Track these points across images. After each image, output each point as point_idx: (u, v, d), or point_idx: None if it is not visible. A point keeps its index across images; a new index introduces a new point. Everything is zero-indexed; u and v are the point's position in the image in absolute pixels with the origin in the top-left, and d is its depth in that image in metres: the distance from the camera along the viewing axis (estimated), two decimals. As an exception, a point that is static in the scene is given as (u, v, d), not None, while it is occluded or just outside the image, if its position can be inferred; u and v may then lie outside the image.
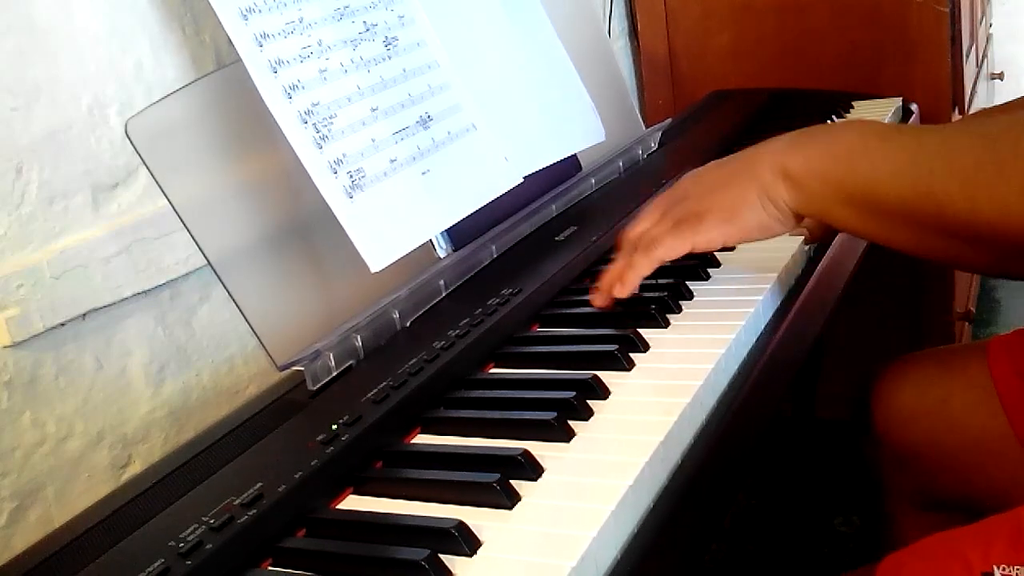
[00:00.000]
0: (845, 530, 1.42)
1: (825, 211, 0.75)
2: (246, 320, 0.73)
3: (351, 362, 0.74)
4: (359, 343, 0.75)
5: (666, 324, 0.78)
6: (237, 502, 0.57)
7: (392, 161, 0.84)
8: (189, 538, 0.53)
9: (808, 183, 0.75)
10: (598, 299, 0.81)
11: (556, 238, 0.97)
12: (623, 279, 0.79)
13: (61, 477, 0.83)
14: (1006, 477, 0.90)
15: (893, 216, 0.71)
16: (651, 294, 0.82)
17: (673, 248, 0.79)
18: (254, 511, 0.56)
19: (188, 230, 0.71)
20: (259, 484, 0.58)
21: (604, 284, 0.81)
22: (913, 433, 0.97)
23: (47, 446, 0.82)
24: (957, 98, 1.63)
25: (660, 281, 0.86)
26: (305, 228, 0.81)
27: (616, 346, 0.73)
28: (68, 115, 0.84)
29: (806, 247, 0.91)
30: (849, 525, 1.44)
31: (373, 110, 0.84)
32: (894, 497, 1.02)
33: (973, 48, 1.98)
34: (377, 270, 0.79)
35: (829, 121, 1.34)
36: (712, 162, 0.83)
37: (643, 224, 0.82)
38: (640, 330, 0.76)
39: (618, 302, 0.82)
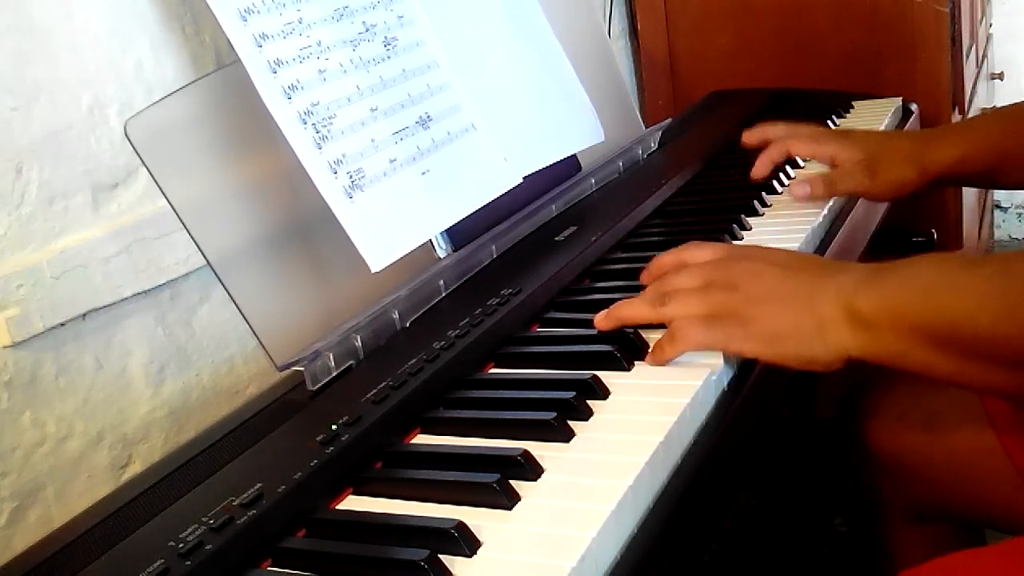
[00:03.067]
0: (845, 530, 1.42)
1: (900, 356, 0.67)
2: (246, 320, 0.73)
3: (351, 362, 0.74)
4: (359, 343, 0.75)
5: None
6: (237, 502, 0.57)
7: (392, 161, 0.84)
8: (189, 538, 0.53)
9: (881, 325, 0.67)
10: (604, 322, 0.76)
11: (556, 238, 0.97)
12: (653, 356, 0.72)
13: (61, 477, 0.83)
14: (996, 492, 0.90)
15: (986, 355, 0.63)
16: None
17: (704, 346, 0.71)
18: (254, 511, 0.56)
19: (187, 230, 0.71)
20: (259, 484, 0.58)
21: (617, 317, 0.76)
22: (901, 447, 0.97)
23: (47, 446, 0.82)
24: (957, 98, 1.63)
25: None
26: (305, 228, 0.81)
27: (616, 346, 0.73)
28: (68, 115, 0.84)
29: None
30: (849, 525, 1.44)
31: (373, 110, 0.84)
32: (884, 508, 1.02)
33: (973, 48, 1.98)
34: (377, 270, 0.79)
35: (829, 122, 1.34)
36: (781, 255, 0.76)
37: (681, 280, 0.75)
38: (640, 330, 0.76)
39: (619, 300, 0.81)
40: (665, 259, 0.79)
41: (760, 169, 1.06)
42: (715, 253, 0.77)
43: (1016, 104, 1.02)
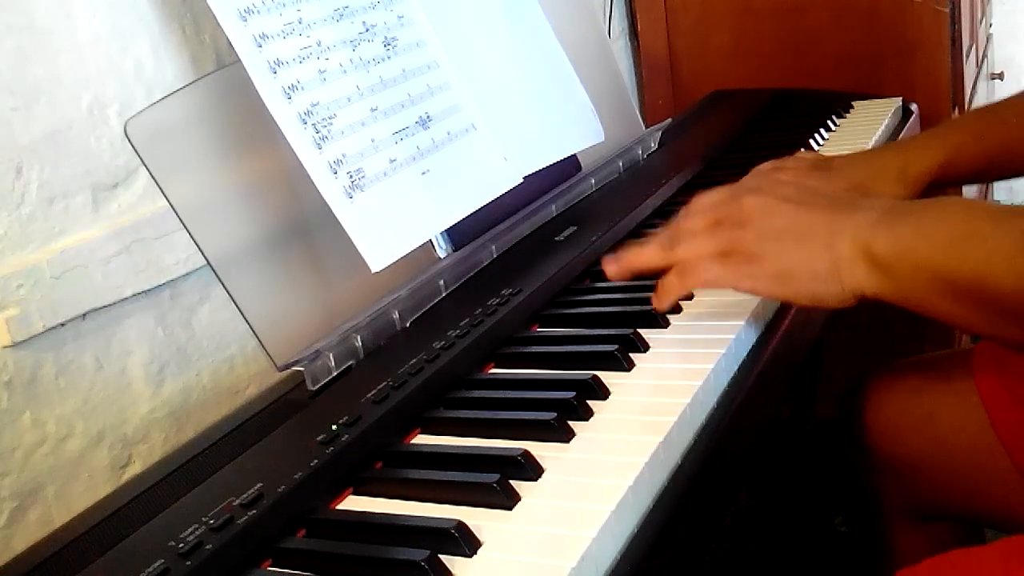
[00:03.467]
0: (845, 530, 1.42)
1: (917, 300, 0.66)
2: (246, 320, 0.73)
3: (351, 362, 0.74)
4: (359, 343, 0.75)
5: (666, 324, 0.78)
6: (237, 502, 0.57)
7: (392, 161, 0.84)
8: (189, 538, 0.53)
9: (899, 269, 0.65)
10: (612, 267, 0.77)
11: (556, 238, 0.97)
12: (659, 296, 0.74)
13: (61, 477, 0.83)
14: (996, 491, 0.90)
15: (1007, 311, 0.61)
16: (651, 294, 0.82)
17: (713, 283, 0.72)
18: (254, 511, 0.56)
19: (187, 230, 0.71)
20: (259, 484, 0.58)
21: (627, 262, 0.76)
22: (901, 446, 0.97)
23: (47, 446, 0.82)
24: (957, 98, 1.63)
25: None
26: (305, 228, 0.81)
27: (616, 346, 0.73)
28: (68, 115, 0.84)
29: None
30: (849, 525, 1.44)
31: (373, 110, 0.84)
32: (884, 507, 1.02)
33: (973, 48, 1.98)
34: (377, 270, 0.79)
35: (829, 121, 1.34)
36: (795, 185, 0.75)
37: (691, 222, 0.74)
38: (640, 330, 0.76)
39: (619, 300, 0.81)
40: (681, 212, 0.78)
41: None
42: (726, 191, 0.75)
43: (995, 102, 1.00)
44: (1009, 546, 0.66)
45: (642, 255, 0.75)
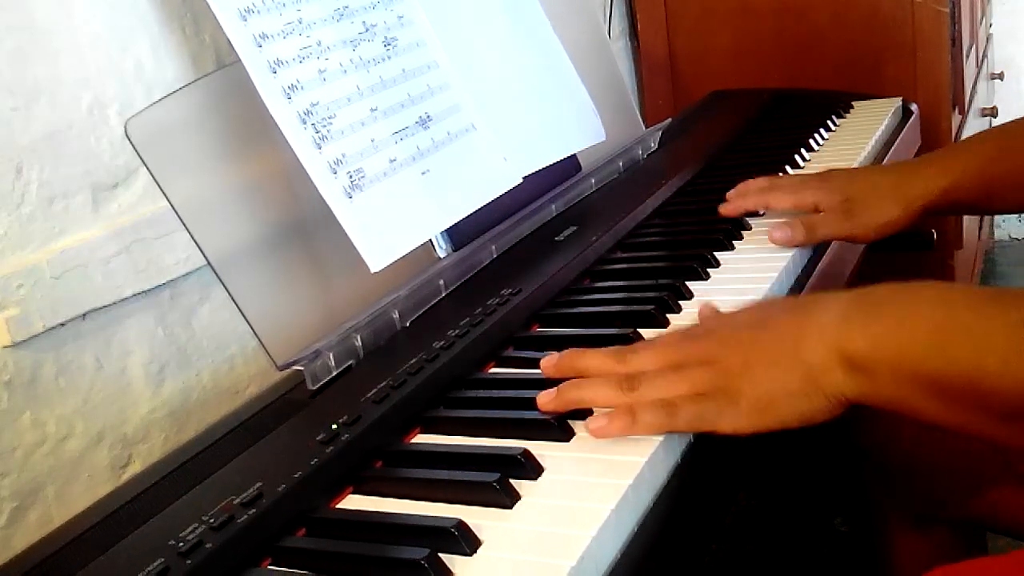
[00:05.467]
0: (845, 530, 1.42)
1: (905, 404, 0.60)
2: (246, 320, 0.73)
3: (351, 362, 0.74)
4: (359, 343, 0.75)
5: (665, 324, 0.78)
6: (237, 501, 0.57)
7: (392, 161, 0.84)
8: (189, 537, 0.53)
9: (878, 371, 0.59)
10: (551, 405, 0.65)
11: (556, 238, 0.97)
12: (614, 421, 0.62)
13: (61, 477, 0.83)
14: (996, 494, 0.90)
15: (1007, 415, 0.55)
16: (651, 294, 0.82)
17: (690, 426, 0.63)
18: (254, 510, 0.56)
19: (188, 230, 0.71)
20: (259, 483, 0.58)
21: (593, 428, 0.63)
22: (900, 450, 0.97)
23: (47, 446, 0.82)
24: (957, 98, 1.63)
25: (660, 281, 0.86)
26: (305, 228, 0.81)
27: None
28: (68, 115, 0.84)
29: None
30: (849, 528, 1.43)
31: (372, 110, 0.84)
32: (884, 511, 1.01)
33: (973, 48, 1.98)
34: (377, 270, 0.79)
35: (829, 122, 1.34)
36: (748, 313, 0.68)
37: (650, 360, 0.66)
38: (640, 330, 0.76)
39: (619, 300, 0.81)
40: (611, 355, 0.68)
41: (728, 208, 1.00)
42: (678, 335, 0.69)
43: (1002, 125, 0.99)
44: (1019, 558, 0.65)
45: (594, 394, 0.65)
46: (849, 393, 0.61)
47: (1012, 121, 0.96)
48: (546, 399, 0.65)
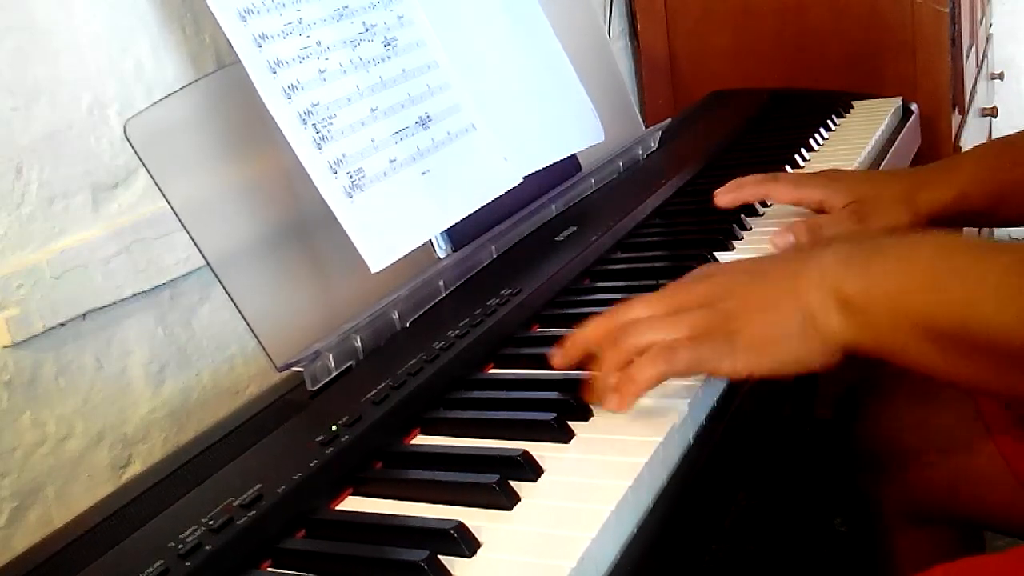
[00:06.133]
0: (845, 530, 1.42)
1: (897, 347, 0.59)
2: (245, 321, 0.73)
3: (350, 363, 0.74)
4: (359, 344, 0.75)
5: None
6: (236, 503, 0.56)
7: (392, 161, 0.84)
8: (188, 539, 0.53)
9: (874, 312, 0.59)
10: (557, 359, 0.68)
11: (556, 238, 0.97)
12: (621, 391, 0.62)
13: (61, 477, 0.83)
14: (995, 494, 0.90)
15: (998, 356, 0.55)
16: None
17: (690, 368, 0.63)
18: (253, 512, 0.56)
19: (187, 231, 0.71)
20: (258, 485, 0.58)
21: (594, 390, 0.65)
22: (899, 450, 0.97)
23: (47, 446, 0.82)
24: (957, 98, 1.63)
25: (660, 281, 0.86)
26: (305, 228, 0.81)
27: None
28: (68, 115, 0.84)
29: None
30: (849, 527, 1.44)
31: (373, 110, 0.84)
32: (883, 511, 1.01)
33: (973, 48, 1.98)
34: (377, 270, 0.79)
35: (829, 121, 1.34)
36: (747, 260, 0.69)
37: (645, 309, 0.66)
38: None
39: (619, 300, 0.81)
40: (612, 312, 0.68)
41: (724, 198, 0.98)
42: (671, 286, 0.69)
43: (1011, 135, 0.98)
44: (1017, 555, 0.65)
45: (589, 339, 0.66)
46: (845, 336, 0.61)
47: (1016, 133, 0.95)
48: (556, 357, 0.68)
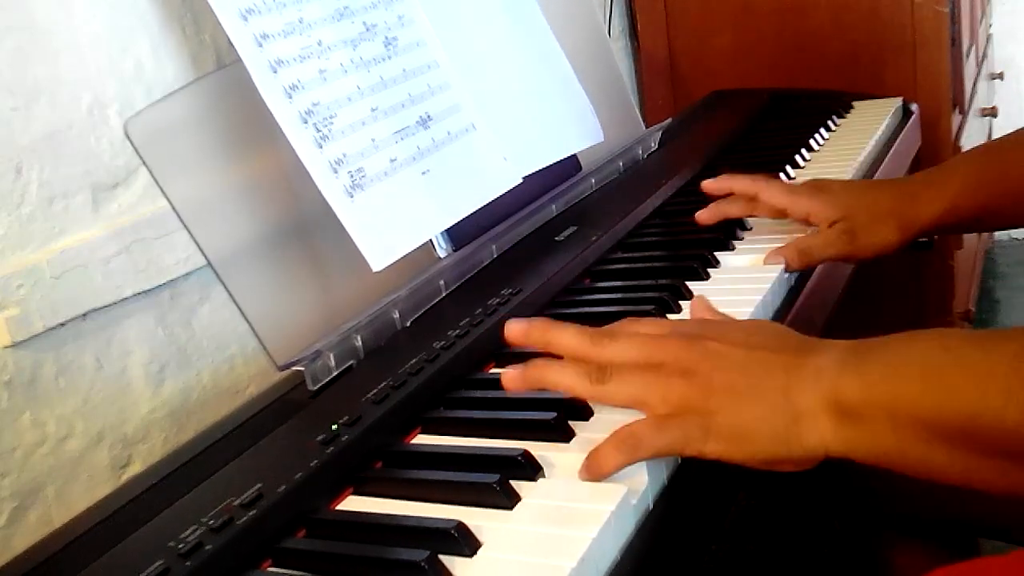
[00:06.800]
0: (843, 532, 1.42)
1: (899, 453, 0.56)
2: (246, 320, 0.73)
3: (351, 362, 0.74)
4: (359, 343, 0.75)
5: (666, 324, 0.78)
6: (237, 503, 0.56)
7: (392, 161, 0.84)
8: (189, 539, 0.53)
9: (872, 415, 0.55)
10: (514, 382, 0.63)
11: (556, 238, 0.97)
12: (589, 471, 0.58)
13: (61, 477, 0.83)
14: (993, 502, 0.89)
15: (1012, 453, 0.52)
16: (651, 294, 0.82)
17: (655, 455, 0.59)
18: (254, 512, 0.56)
19: (188, 230, 0.71)
20: (259, 484, 0.58)
21: (536, 379, 0.62)
22: None
23: (47, 446, 0.82)
24: (957, 98, 1.63)
25: (660, 281, 0.86)
26: (306, 228, 0.81)
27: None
28: (68, 115, 0.84)
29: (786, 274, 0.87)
30: (846, 533, 1.43)
31: (373, 110, 0.84)
32: (879, 518, 1.01)
33: (973, 48, 1.98)
34: (378, 270, 0.79)
35: (829, 121, 1.34)
36: (743, 331, 0.64)
37: (625, 350, 0.62)
38: (640, 330, 0.76)
39: (619, 300, 0.81)
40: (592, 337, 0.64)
41: (707, 216, 0.96)
42: (666, 327, 0.65)
43: (997, 140, 0.97)
44: (1018, 558, 0.64)
45: (560, 379, 0.62)
46: (835, 445, 0.57)
47: (1001, 138, 0.95)
48: (510, 376, 0.63)
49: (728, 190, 0.97)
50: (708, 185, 0.97)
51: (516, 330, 0.65)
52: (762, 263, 0.88)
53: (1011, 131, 0.94)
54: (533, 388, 0.63)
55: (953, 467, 0.55)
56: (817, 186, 0.94)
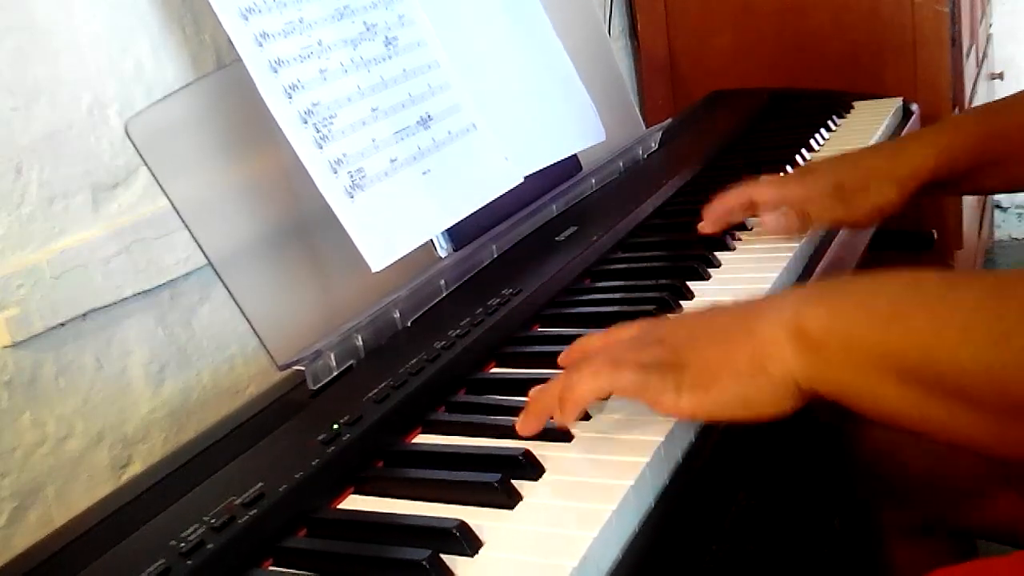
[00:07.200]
0: (844, 532, 1.42)
1: (854, 388, 0.55)
2: (247, 320, 0.73)
3: (352, 362, 0.74)
4: (360, 343, 0.75)
5: (667, 324, 0.78)
6: (238, 502, 0.56)
7: (392, 161, 0.84)
8: (190, 538, 0.53)
9: (830, 346, 0.55)
10: (528, 426, 0.63)
11: (556, 238, 0.97)
12: (562, 403, 0.61)
13: (61, 477, 0.83)
14: (994, 505, 0.89)
15: (962, 395, 0.51)
16: (651, 294, 0.82)
17: (632, 389, 0.60)
18: (255, 511, 0.56)
19: (189, 230, 0.71)
20: (260, 484, 0.58)
21: (535, 408, 0.63)
22: (897, 460, 0.96)
23: (47, 446, 0.82)
24: (957, 98, 1.63)
25: (661, 281, 0.86)
26: (306, 228, 0.81)
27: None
28: (68, 115, 0.84)
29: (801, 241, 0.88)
30: (847, 534, 1.43)
31: (373, 110, 0.84)
32: (880, 520, 1.01)
33: (973, 48, 1.98)
34: (378, 270, 0.79)
35: (829, 122, 1.34)
36: (705, 309, 0.66)
37: (600, 339, 0.66)
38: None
39: (619, 300, 0.81)
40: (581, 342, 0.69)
41: (709, 225, 0.96)
42: (613, 333, 0.67)
43: (993, 102, 0.97)
44: (1021, 559, 0.64)
45: (550, 396, 0.63)
46: (799, 375, 0.57)
47: (997, 100, 0.95)
48: (522, 426, 0.64)
49: (725, 211, 0.96)
50: (705, 228, 0.96)
51: (519, 427, 0.64)
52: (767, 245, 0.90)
53: (1005, 96, 0.93)
54: (543, 420, 0.63)
55: (903, 405, 0.54)
56: (804, 170, 0.95)
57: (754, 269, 0.88)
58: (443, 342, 0.74)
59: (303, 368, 0.71)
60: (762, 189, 0.94)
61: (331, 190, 0.78)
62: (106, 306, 0.86)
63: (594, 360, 0.61)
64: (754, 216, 0.97)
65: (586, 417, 0.65)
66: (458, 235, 0.90)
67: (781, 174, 1.11)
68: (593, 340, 0.67)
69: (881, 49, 1.57)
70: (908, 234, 1.40)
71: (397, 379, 0.69)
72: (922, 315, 0.53)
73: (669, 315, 0.71)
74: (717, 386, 0.58)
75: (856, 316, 0.55)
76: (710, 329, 0.61)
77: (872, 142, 1.25)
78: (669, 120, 1.30)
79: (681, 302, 0.82)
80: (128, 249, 0.87)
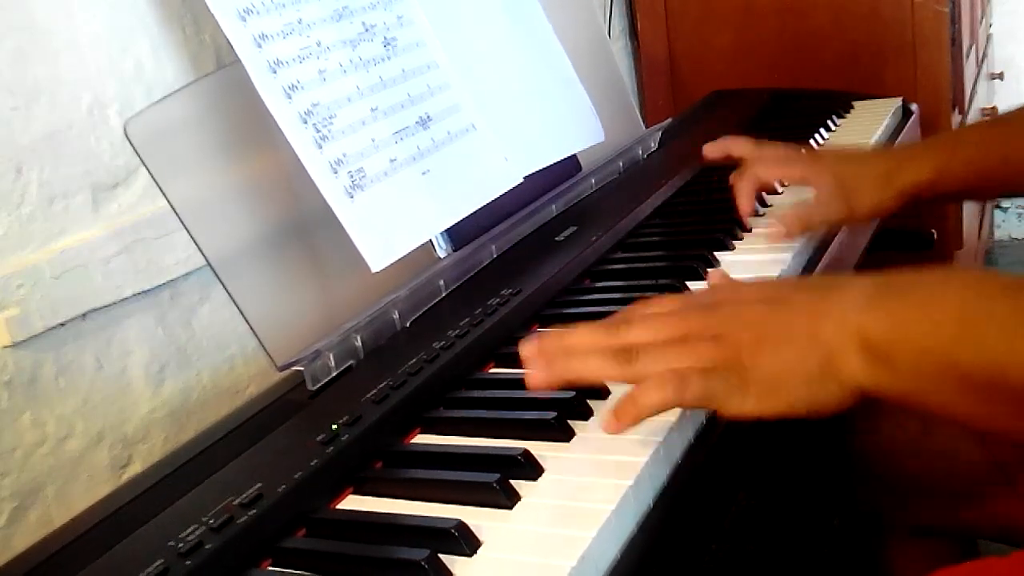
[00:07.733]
0: (844, 532, 1.42)
1: (927, 396, 0.55)
2: (246, 320, 0.73)
3: (351, 362, 0.74)
4: (359, 343, 0.75)
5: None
6: (237, 502, 0.56)
7: (392, 161, 0.84)
8: (189, 538, 0.53)
9: (900, 358, 0.55)
10: (538, 379, 0.62)
11: (556, 238, 0.97)
12: (619, 412, 0.59)
13: (61, 477, 0.83)
14: (994, 505, 0.89)
15: None
16: (651, 294, 0.82)
17: (698, 401, 0.59)
18: (254, 511, 0.56)
19: (187, 230, 0.71)
20: (259, 484, 0.58)
21: (560, 374, 0.61)
22: (897, 462, 0.96)
23: (47, 446, 0.82)
24: (957, 98, 1.63)
25: (660, 281, 0.86)
26: (305, 228, 0.81)
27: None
28: (68, 115, 0.84)
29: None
30: (847, 536, 1.43)
31: (373, 110, 0.84)
32: (880, 522, 1.01)
33: (973, 48, 1.98)
34: (378, 270, 0.79)
35: (829, 122, 1.34)
36: (761, 288, 0.64)
37: (651, 332, 0.61)
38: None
39: (619, 300, 0.81)
40: (619, 323, 0.64)
41: (746, 206, 0.98)
42: (679, 302, 0.65)
43: (995, 117, 0.98)
44: (1020, 559, 0.64)
45: (590, 368, 0.61)
46: (865, 382, 0.57)
47: (1002, 113, 0.96)
48: (534, 376, 0.61)
49: (727, 154, 1.01)
50: (708, 151, 1.03)
51: (529, 347, 0.63)
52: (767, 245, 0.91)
53: (1009, 110, 0.94)
54: (560, 385, 0.62)
55: (980, 414, 0.55)
56: (812, 154, 0.97)
57: (754, 269, 0.88)
58: (442, 342, 0.75)
59: (302, 368, 0.71)
60: (767, 170, 0.98)
61: (331, 190, 0.78)
62: (106, 306, 0.86)
63: (658, 376, 0.59)
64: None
65: (586, 416, 0.66)
66: (457, 235, 0.90)
67: (785, 146, 1.12)
68: (639, 330, 0.62)
69: (881, 49, 1.57)
70: (908, 234, 1.40)
71: (396, 379, 0.69)
72: (992, 328, 0.53)
73: (716, 291, 0.67)
74: (785, 391, 0.58)
75: (922, 327, 0.55)
76: (773, 329, 0.59)
77: (872, 142, 1.25)
78: (669, 120, 1.30)
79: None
80: (128, 249, 0.87)
